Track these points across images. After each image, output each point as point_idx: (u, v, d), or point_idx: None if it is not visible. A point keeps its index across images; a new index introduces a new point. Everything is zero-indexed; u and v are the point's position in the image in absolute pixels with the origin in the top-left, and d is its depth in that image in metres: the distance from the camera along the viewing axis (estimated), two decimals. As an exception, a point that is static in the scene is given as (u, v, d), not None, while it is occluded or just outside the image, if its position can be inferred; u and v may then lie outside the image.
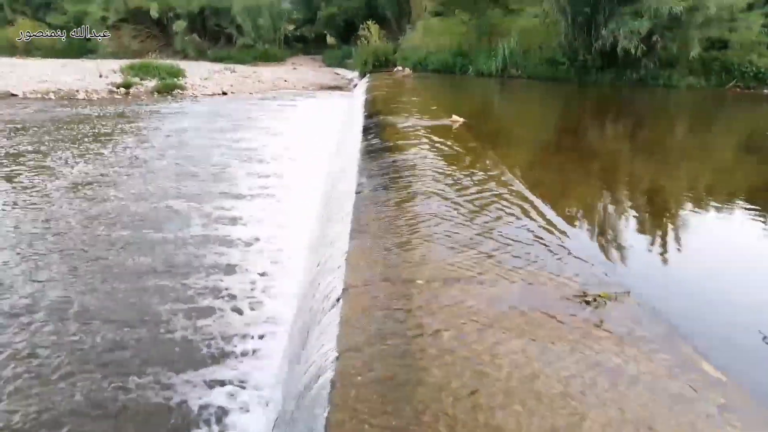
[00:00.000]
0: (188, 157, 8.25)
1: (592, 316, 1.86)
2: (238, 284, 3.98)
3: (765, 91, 13.88)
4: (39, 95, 14.79)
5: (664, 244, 3.05)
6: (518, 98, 12.67)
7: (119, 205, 5.83)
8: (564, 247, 2.46)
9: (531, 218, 2.84)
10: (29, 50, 26.51)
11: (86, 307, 3.65)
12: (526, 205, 3.06)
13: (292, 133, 10.48)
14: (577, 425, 1.31)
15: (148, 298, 3.79)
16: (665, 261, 2.80)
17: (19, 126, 10.38)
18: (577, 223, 3.26)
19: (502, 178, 3.69)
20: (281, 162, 8.05)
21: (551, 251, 2.40)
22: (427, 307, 1.86)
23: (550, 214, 2.98)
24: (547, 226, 2.74)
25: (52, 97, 14.71)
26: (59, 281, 4.04)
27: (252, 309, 3.65)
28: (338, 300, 2.04)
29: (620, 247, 2.89)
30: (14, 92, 14.73)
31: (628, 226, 3.34)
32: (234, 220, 5.38)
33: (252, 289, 3.92)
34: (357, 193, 3.56)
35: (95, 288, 3.94)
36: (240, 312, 3.61)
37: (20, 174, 7.00)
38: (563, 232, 2.68)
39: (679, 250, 3.02)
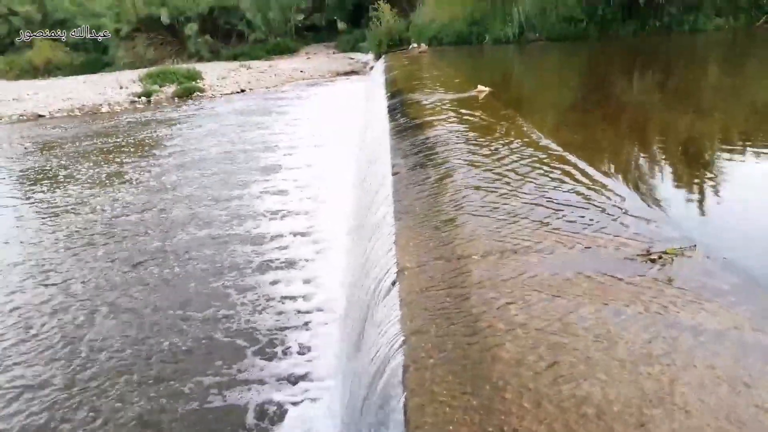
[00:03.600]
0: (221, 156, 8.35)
1: (660, 274, 1.79)
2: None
3: (799, 23, 13.24)
4: (65, 113, 15.09)
5: (718, 194, 2.92)
6: (540, 61, 12.37)
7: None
8: (617, 207, 2.37)
9: (577, 181, 2.75)
10: (50, 70, 26.98)
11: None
12: (569, 168, 2.96)
13: (314, 120, 10.47)
14: (668, 388, 1.25)
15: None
16: (725, 210, 2.69)
17: (49, 144, 10.61)
18: (625, 180, 3.15)
19: (540, 143, 3.59)
20: (306, 151, 8.07)
21: (605, 212, 2.32)
22: (489, 281, 1.81)
23: (596, 174, 2.88)
24: (595, 187, 2.65)
25: (78, 114, 14.99)
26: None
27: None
28: (394, 283, 2.01)
29: (675, 201, 2.77)
30: (41, 113, 15.05)
31: (678, 179, 3.21)
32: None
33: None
34: (394, 174, 3.51)
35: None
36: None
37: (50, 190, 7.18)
38: (613, 191, 2.59)
39: (733, 197, 2.89)
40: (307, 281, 4.31)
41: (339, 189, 5.79)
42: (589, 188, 2.65)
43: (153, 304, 4.15)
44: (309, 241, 5.03)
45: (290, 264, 4.64)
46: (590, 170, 2.95)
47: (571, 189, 2.64)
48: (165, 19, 27.91)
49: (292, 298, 4.08)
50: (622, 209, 2.35)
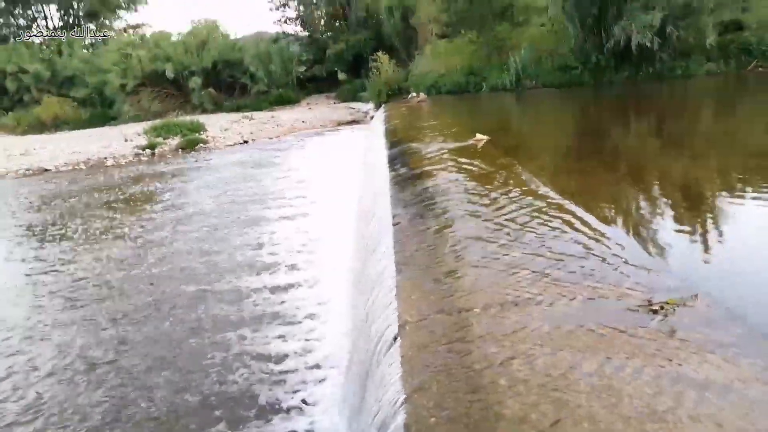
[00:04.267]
0: (220, 208, 8.40)
1: (662, 325, 1.77)
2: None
3: (789, 67, 13.54)
4: (70, 167, 15.27)
5: (718, 239, 2.93)
6: (537, 108, 12.60)
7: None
8: (618, 256, 2.38)
9: (577, 230, 2.77)
10: (57, 125, 27.49)
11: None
12: (569, 217, 2.98)
13: (314, 171, 10.59)
14: (675, 447, 1.23)
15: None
16: (725, 256, 2.69)
17: (51, 199, 10.70)
18: (624, 228, 3.17)
19: (539, 192, 3.62)
20: (305, 205, 8.12)
21: (605, 262, 2.32)
22: (490, 335, 1.80)
23: (595, 222, 2.89)
24: (595, 236, 2.66)
25: (83, 167, 15.18)
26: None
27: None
28: (395, 338, 2.00)
29: (675, 248, 2.78)
30: (47, 167, 15.24)
31: (677, 226, 3.23)
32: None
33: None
34: (394, 224, 3.53)
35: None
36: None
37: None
38: (613, 240, 2.60)
39: (733, 244, 2.89)
40: (307, 336, 4.19)
41: (339, 244, 5.75)
42: (588, 237, 2.66)
43: (136, 362, 3.99)
44: (311, 294, 4.96)
45: (290, 317, 4.53)
46: (589, 218, 2.97)
47: (571, 238, 2.65)
48: (170, 73, 28.61)
49: (293, 354, 3.93)
50: (622, 258, 2.35)
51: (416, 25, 23.81)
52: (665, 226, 3.25)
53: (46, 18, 36.05)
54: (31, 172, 15.01)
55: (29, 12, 35.66)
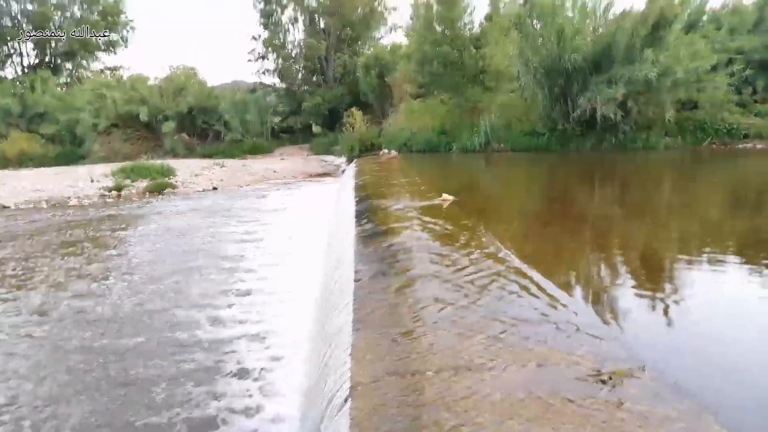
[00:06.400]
0: (179, 253, 8.23)
1: (610, 396, 1.79)
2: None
3: (740, 146, 14.31)
4: (31, 205, 14.89)
5: (669, 309, 3.00)
6: (504, 171, 12.94)
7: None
8: (571, 323, 2.41)
9: (534, 295, 2.81)
10: (22, 161, 26.99)
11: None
12: (526, 282, 3.03)
13: (281, 223, 10.55)
14: None
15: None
16: (675, 327, 2.76)
17: (4, 238, 10.33)
18: (580, 295, 3.23)
19: (499, 255, 3.68)
20: (269, 261, 8.01)
21: (559, 328, 2.35)
22: (441, 400, 1.79)
23: (553, 288, 2.95)
24: (551, 302, 2.70)
25: (44, 206, 14.80)
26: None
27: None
28: (346, 400, 1.96)
29: (629, 317, 2.84)
30: (6, 204, 14.82)
31: (634, 293, 3.30)
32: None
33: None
34: (356, 281, 3.52)
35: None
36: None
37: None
38: (567, 307, 2.64)
39: (686, 313, 2.97)
40: (260, 392, 4.03)
41: (302, 298, 5.65)
42: (545, 303, 2.69)
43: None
44: (263, 348, 4.75)
45: (243, 372, 4.32)
46: (547, 284, 3.02)
47: (528, 303, 2.68)
48: (144, 116, 28.62)
49: (242, 411, 3.76)
50: (575, 325, 2.39)
51: (391, 84, 24.53)
52: (622, 293, 3.33)
53: (21, 55, 35.94)
54: (-12, 208, 14.56)
55: (5, 48, 35.50)
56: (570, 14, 15.31)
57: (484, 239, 4.16)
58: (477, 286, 2.99)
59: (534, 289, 2.89)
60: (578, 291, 3.37)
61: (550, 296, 2.81)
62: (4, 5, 33.73)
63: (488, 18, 18.68)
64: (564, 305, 2.68)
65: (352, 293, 3.25)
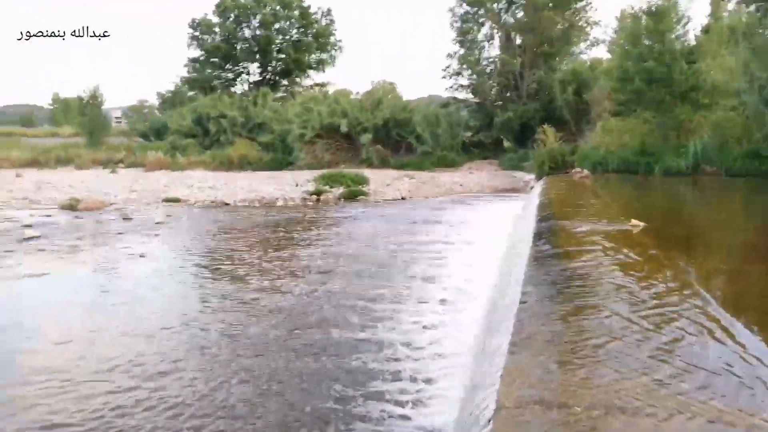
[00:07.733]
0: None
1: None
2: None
3: None
4: (247, 203, 17.11)
5: None
6: (713, 198, 11.53)
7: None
8: (761, 380, 2.10)
9: (719, 340, 2.49)
10: (242, 165, 30.93)
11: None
12: (713, 325, 2.69)
13: (458, 238, 10.64)
14: None
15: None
16: None
17: (226, 230, 12.10)
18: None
19: (687, 292, 3.31)
20: (452, 265, 8.17)
21: (744, 383, 2.06)
22: (585, 440, 1.69)
23: (745, 335, 2.58)
24: (742, 353, 2.37)
25: (257, 205, 16.90)
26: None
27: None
28: (489, 421, 1.95)
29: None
30: (227, 201, 17.27)
31: None
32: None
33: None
34: (521, 303, 3.45)
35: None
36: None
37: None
38: (761, 361, 2.29)
39: None
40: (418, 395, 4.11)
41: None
42: (733, 351, 2.38)
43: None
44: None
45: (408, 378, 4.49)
46: (742, 331, 2.65)
47: (710, 350, 2.39)
48: (344, 128, 30.90)
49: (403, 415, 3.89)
50: (765, 383, 2.07)
51: (590, 101, 23.29)
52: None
53: (248, 73, 41.43)
54: (214, 204, 17.07)
55: (237, 67, 41.23)
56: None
57: (670, 273, 3.78)
58: (653, 324, 2.74)
59: (720, 333, 2.56)
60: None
61: (742, 346, 2.46)
62: (239, 33, 39.28)
63: (705, 30, 16.82)
64: (757, 358, 2.33)
65: (515, 315, 3.19)
